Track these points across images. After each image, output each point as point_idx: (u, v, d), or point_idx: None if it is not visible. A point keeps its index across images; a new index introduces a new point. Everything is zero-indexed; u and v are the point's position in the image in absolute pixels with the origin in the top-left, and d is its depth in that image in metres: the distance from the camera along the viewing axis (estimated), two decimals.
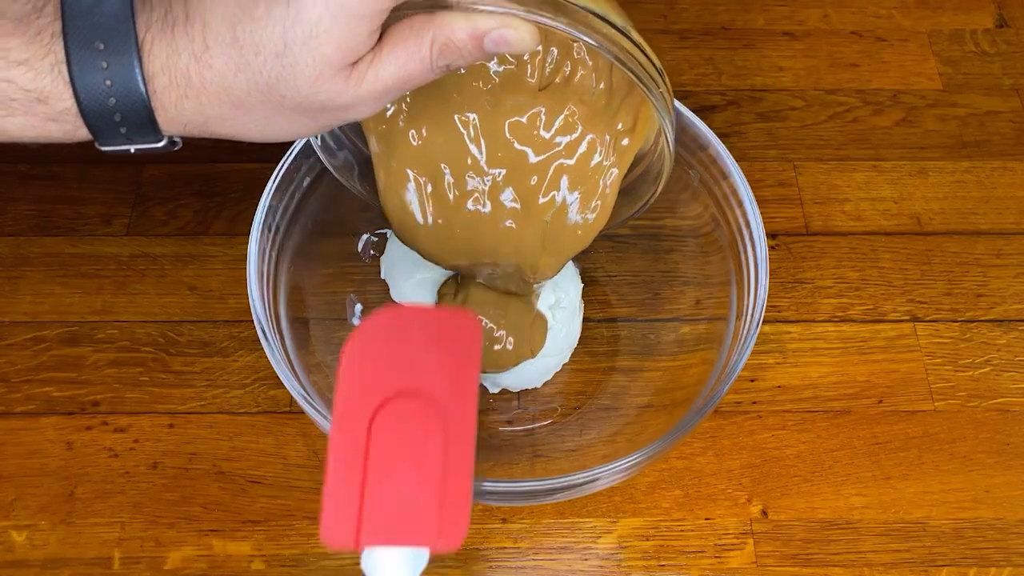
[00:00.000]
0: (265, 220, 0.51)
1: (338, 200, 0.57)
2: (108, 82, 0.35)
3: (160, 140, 0.37)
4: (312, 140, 0.49)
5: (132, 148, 0.37)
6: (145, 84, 0.35)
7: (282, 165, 0.52)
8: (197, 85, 0.35)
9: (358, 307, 0.58)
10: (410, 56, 0.36)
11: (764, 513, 0.54)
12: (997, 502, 0.54)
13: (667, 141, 0.43)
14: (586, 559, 0.52)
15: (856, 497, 0.54)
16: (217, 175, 0.66)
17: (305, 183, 0.54)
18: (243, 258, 0.49)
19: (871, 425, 0.57)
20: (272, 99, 0.36)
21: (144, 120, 0.36)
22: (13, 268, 0.62)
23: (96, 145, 0.37)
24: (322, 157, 0.50)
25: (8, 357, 0.58)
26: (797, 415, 0.57)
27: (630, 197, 0.50)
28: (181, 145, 0.38)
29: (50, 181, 0.65)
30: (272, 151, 0.53)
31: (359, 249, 0.60)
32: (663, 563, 0.52)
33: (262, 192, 0.51)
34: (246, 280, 0.49)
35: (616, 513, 0.54)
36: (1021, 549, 0.53)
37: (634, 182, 0.50)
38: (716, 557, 0.52)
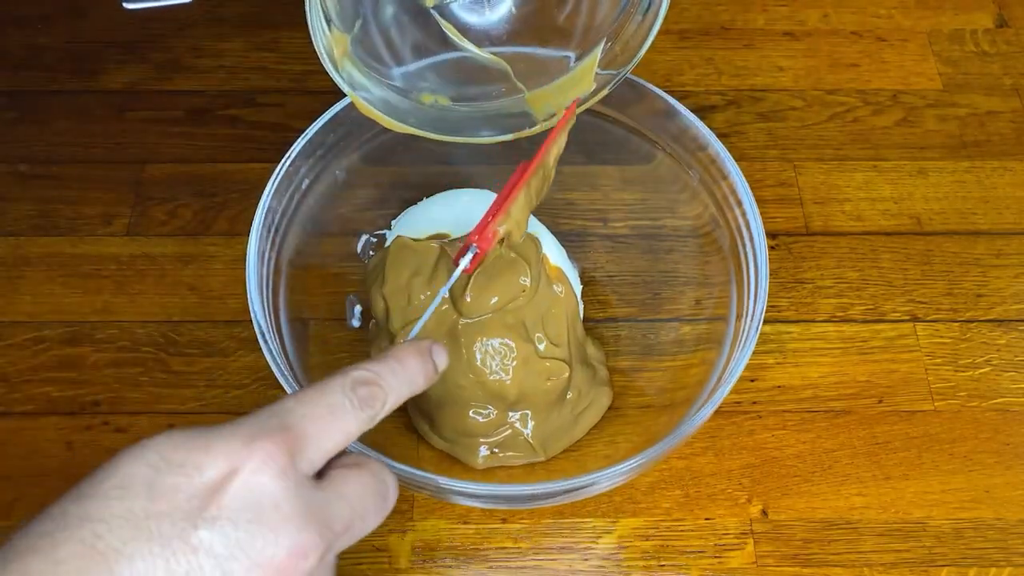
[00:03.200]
0: (265, 221, 0.51)
1: (338, 200, 0.57)
2: None
3: None
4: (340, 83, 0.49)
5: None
6: None
7: (282, 166, 0.52)
8: None
9: (357, 307, 0.58)
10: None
11: (764, 513, 0.54)
12: (997, 502, 0.54)
13: None
14: (586, 559, 0.52)
15: (856, 497, 0.54)
16: (217, 175, 0.66)
17: (305, 184, 0.54)
18: (243, 258, 0.49)
19: (871, 425, 0.57)
20: None
21: None
22: (13, 268, 0.62)
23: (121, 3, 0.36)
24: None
25: (8, 357, 0.58)
26: (797, 415, 0.57)
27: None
28: None
29: (50, 181, 0.65)
30: (272, 151, 0.53)
31: (359, 249, 0.60)
32: (663, 563, 0.52)
33: (262, 192, 0.51)
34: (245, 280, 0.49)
35: (616, 513, 0.54)
36: (1021, 549, 0.53)
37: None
38: (716, 557, 0.52)
